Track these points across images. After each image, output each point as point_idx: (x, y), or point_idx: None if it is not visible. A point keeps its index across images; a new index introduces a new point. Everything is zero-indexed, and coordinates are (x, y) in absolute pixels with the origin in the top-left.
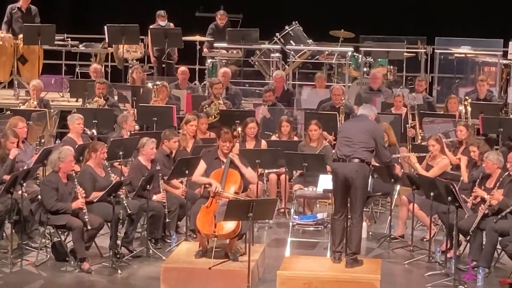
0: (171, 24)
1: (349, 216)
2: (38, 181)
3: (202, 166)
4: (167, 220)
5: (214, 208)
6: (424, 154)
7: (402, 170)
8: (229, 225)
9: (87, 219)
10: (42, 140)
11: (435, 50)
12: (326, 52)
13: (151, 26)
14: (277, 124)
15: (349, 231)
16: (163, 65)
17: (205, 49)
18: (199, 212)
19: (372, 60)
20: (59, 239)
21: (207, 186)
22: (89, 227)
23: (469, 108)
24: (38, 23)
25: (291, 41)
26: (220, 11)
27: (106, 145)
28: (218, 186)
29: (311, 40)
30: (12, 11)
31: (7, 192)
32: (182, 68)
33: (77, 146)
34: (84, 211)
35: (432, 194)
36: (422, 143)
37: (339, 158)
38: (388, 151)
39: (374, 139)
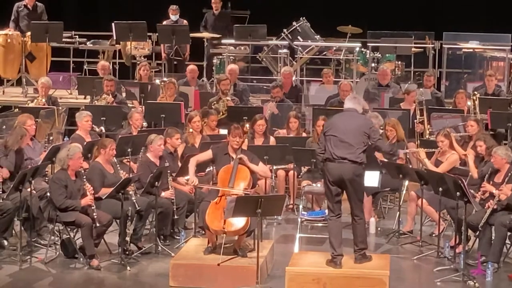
0: (184, 21)
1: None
2: (46, 178)
3: (207, 154)
4: (176, 217)
5: (223, 205)
6: (433, 150)
7: (411, 166)
8: (238, 222)
9: (95, 216)
10: (51, 138)
11: (443, 45)
12: (334, 48)
13: (164, 22)
14: (285, 120)
15: (353, 229)
16: (175, 62)
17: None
18: (208, 208)
19: (380, 55)
20: (68, 236)
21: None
22: (97, 224)
23: (477, 103)
24: (44, 21)
25: (299, 37)
26: None
27: (115, 141)
28: (196, 181)
29: (318, 36)
30: (18, 9)
31: (16, 190)
32: (191, 67)
33: (85, 143)
34: (92, 207)
35: (440, 189)
36: (431, 138)
37: (334, 159)
38: (384, 142)
39: (368, 135)
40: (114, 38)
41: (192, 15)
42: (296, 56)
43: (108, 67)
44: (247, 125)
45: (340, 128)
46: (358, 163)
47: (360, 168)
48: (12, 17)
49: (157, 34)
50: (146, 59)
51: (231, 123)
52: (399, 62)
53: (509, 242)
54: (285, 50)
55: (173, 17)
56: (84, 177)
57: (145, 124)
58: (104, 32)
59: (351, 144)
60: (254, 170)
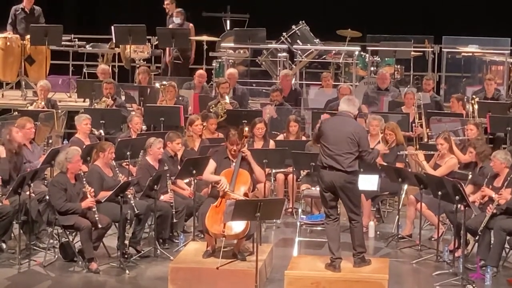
0: (191, 24)
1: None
2: (46, 181)
3: (212, 164)
4: (175, 220)
5: (223, 208)
6: (432, 152)
7: (410, 169)
8: (238, 226)
9: (97, 218)
10: (50, 141)
11: (443, 49)
12: (333, 52)
13: (170, 25)
14: (285, 123)
15: (351, 233)
16: (179, 65)
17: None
18: (207, 212)
19: (379, 59)
20: (67, 239)
21: (215, 185)
22: (99, 226)
23: (476, 107)
24: (42, 24)
25: (298, 41)
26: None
27: (113, 145)
28: (226, 185)
29: (318, 40)
30: (16, 12)
31: (15, 193)
32: (201, 72)
33: (84, 146)
34: (94, 210)
35: (439, 193)
36: (430, 142)
37: (325, 166)
38: (372, 154)
39: (358, 143)
40: (114, 41)
41: (191, 18)
42: (295, 59)
43: (108, 71)
44: (246, 129)
45: (330, 136)
46: (348, 172)
47: (352, 176)
48: (10, 20)
49: (156, 37)
50: (145, 62)
51: (230, 127)
52: (399, 66)
53: (508, 246)
54: (284, 54)
55: (176, 20)
56: (84, 179)
57: (144, 127)
58: (104, 36)
59: (341, 153)
60: (254, 169)
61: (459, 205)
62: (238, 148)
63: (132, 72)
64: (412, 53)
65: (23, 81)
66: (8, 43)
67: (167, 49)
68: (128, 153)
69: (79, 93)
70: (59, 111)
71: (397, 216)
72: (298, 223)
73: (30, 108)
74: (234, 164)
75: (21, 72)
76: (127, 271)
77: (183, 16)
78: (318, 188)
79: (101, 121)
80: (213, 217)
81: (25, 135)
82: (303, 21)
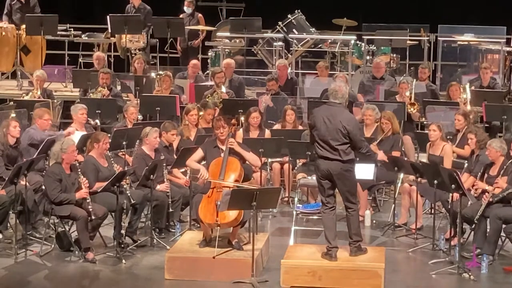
0: (200, 14)
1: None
2: (44, 172)
3: (198, 153)
4: (171, 210)
5: (215, 198)
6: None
7: (406, 158)
8: (231, 213)
9: (91, 209)
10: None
11: (438, 38)
12: (329, 41)
13: (181, 15)
14: (281, 113)
15: (347, 221)
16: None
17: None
18: (200, 202)
19: (375, 48)
20: (63, 229)
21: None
22: (93, 217)
23: (468, 92)
24: (37, 13)
25: (294, 30)
26: None
27: (108, 135)
28: (205, 174)
29: (313, 29)
30: (11, 2)
31: (11, 183)
32: (194, 61)
33: (80, 136)
34: (88, 201)
35: (435, 182)
36: (426, 130)
37: (321, 157)
38: (365, 142)
39: (349, 134)
40: (109, 31)
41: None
42: (291, 49)
43: (103, 58)
44: (242, 118)
45: (322, 127)
46: (345, 161)
47: (348, 164)
48: (5, 11)
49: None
50: (141, 52)
51: (226, 116)
52: (394, 55)
53: (504, 235)
54: (280, 43)
55: (187, 9)
56: (79, 170)
57: (140, 117)
58: (99, 25)
59: (334, 144)
60: (245, 157)
61: (455, 194)
62: (225, 131)
63: (128, 61)
64: (408, 42)
65: (18, 71)
66: (4, 33)
67: (179, 39)
68: (124, 143)
69: (74, 83)
70: (55, 101)
71: (393, 205)
72: (294, 212)
73: (26, 98)
74: (223, 152)
75: (17, 62)
76: (123, 261)
77: (194, 6)
78: (314, 177)
79: (97, 111)
80: (206, 207)
81: (41, 125)
82: (299, 10)
